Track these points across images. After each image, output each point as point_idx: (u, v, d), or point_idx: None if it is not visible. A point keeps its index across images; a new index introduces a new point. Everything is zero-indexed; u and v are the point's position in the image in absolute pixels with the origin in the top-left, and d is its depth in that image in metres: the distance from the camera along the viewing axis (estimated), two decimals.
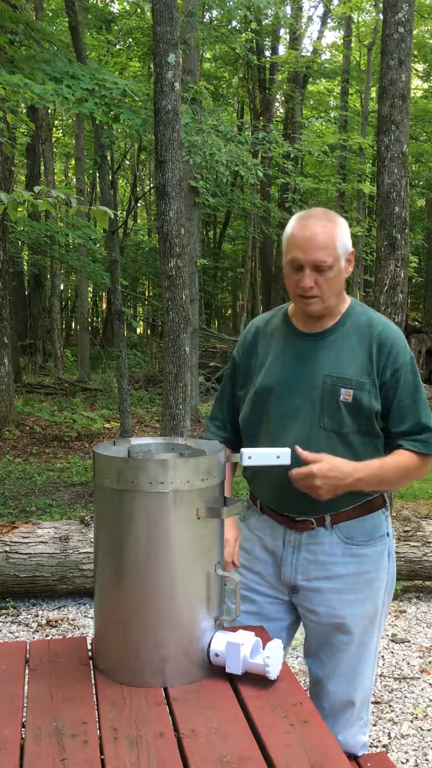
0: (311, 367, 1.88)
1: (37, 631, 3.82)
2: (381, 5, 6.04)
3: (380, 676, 3.44)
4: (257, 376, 1.96)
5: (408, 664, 3.58)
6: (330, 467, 1.75)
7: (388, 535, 1.97)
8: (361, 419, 1.85)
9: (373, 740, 2.90)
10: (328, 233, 1.79)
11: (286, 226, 1.89)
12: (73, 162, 19.85)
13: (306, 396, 1.87)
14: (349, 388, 1.83)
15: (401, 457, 1.85)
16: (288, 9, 14.67)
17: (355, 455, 1.84)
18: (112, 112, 6.63)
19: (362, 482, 1.80)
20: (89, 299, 20.47)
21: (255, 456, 1.70)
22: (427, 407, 1.88)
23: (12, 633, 3.80)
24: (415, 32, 11.13)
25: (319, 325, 1.90)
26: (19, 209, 3.24)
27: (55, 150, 18.41)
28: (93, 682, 1.60)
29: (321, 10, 16.99)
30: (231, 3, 11.86)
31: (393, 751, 2.84)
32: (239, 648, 1.59)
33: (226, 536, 1.85)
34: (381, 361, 1.84)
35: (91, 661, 1.68)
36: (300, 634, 2.10)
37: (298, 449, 1.75)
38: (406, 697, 3.26)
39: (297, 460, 1.78)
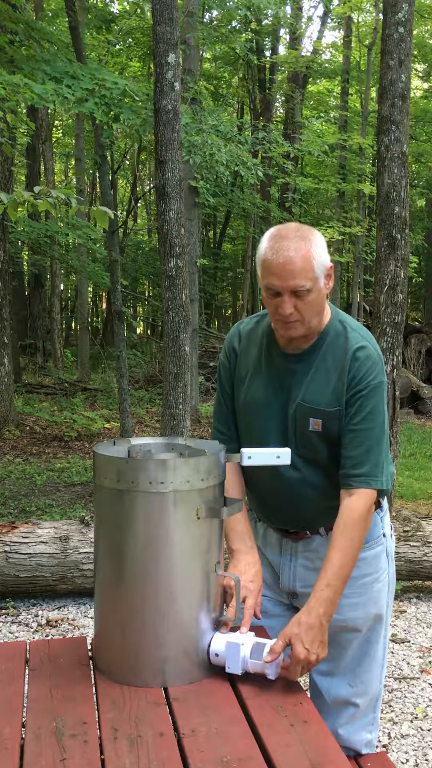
0: (286, 393, 1.84)
1: (37, 631, 3.82)
2: (381, 5, 6.05)
3: None
4: (240, 389, 1.93)
5: (408, 664, 3.58)
6: (305, 638, 1.64)
7: (385, 536, 1.97)
8: (334, 447, 1.82)
9: None
10: (303, 256, 1.69)
11: (259, 244, 1.79)
12: (73, 162, 19.85)
13: (282, 422, 1.85)
14: (318, 417, 1.79)
15: (343, 524, 1.74)
16: (288, 9, 14.66)
17: (332, 482, 1.83)
18: (112, 112, 6.63)
19: (334, 601, 1.71)
20: (89, 299, 20.47)
21: (255, 456, 1.70)
22: (381, 439, 1.80)
23: (12, 633, 3.80)
24: (415, 32, 11.13)
25: (297, 346, 1.84)
26: (19, 209, 3.23)
27: (55, 150, 18.39)
28: (93, 682, 1.60)
29: (321, 10, 16.97)
30: (231, 3, 11.85)
31: (393, 751, 2.84)
32: (239, 648, 1.59)
33: (244, 582, 1.78)
34: (348, 383, 1.78)
35: (91, 661, 1.68)
36: None
37: (267, 658, 1.61)
38: (406, 697, 3.26)
39: (288, 471, 1.80)
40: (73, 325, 22.85)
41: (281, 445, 1.83)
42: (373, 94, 12.60)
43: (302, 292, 1.71)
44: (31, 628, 3.86)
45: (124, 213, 19.46)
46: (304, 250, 1.70)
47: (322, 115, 17.85)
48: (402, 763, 2.76)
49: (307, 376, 1.82)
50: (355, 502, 1.76)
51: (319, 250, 1.73)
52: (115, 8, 13.48)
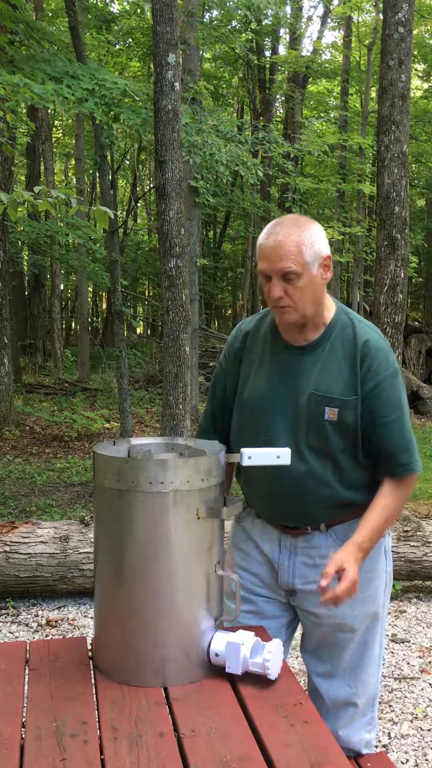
0: (296, 384, 1.84)
1: (37, 631, 3.82)
2: (381, 5, 6.05)
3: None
4: (244, 386, 1.94)
5: (408, 664, 3.58)
6: (353, 575, 1.73)
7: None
8: (348, 438, 1.83)
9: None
10: (293, 240, 1.73)
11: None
12: (73, 162, 19.85)
13: (292, 413, 1.84)
14: (334, 406, 1.80)
15: (390, 494, 1.85)
16: (288, 9, 14.66)
17: (342, 475, 1.84)
18: (112, 112, 6.63)
19: (377, 538, 1.84)
20: (89, 299, 20.46)
21: (255, 456, 1.70)
22: (408, 420, 1.87)
23: (12, 633, 3.80)
24: (415, 32, 11.14)
25: (304, 338, 1.86)
26: (19, 209, 3.24)
27: (55, 150, 18.39)
28: (93, 682, 1.60)
29: (321, 10, 16.98)
30: (231, 3, 11.85)
31: (393, 751, 2.84)
32: (239, 648, 1.59)
33: None
34: (363, 374, 1.80)
35: (91, 661, 1.68)
36: (299, 633, 2.10)
37: (322, 583, 1.71)
38: (406, 697, 3.26)
39: (295, 463, 1.80)
40: (73, 325, 22.85)
41: (288, 437, 1.84)
42: (373, 94, 12.60)
43: (291, 275, 1.74)
44: (31, 628, 3.86)
45: (124, 213, 19.45)
46: (294, 235, 1.74)
47: (322, 115, 17.84)
48: (402, 763, 2.76)
49: (317, 367, 1.84)
50: (404, 483, 1.86)
51: (312, 237, 1.76)
52: (115, 8, 13.47)
